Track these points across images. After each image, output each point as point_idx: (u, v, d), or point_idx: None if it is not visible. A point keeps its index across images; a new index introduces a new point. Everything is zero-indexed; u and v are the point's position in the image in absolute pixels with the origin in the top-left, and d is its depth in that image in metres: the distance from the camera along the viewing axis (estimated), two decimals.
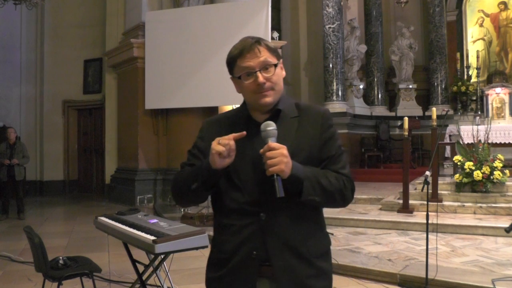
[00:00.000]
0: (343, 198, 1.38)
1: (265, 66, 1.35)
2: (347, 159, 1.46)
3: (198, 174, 1.34)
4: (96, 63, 10.99)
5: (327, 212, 5.81)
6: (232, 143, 1.27)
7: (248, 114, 1.42)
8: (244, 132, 1.29)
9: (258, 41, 1.39)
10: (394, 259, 4.33)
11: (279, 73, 1.39)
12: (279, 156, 1.23)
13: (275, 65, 1.37)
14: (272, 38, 8.26)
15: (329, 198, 1.34)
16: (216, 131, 1.40)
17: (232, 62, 1.40)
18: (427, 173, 3.53)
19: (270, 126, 1.28)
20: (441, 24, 11.89)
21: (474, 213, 6.04)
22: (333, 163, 1.38)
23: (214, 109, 8.38)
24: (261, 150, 1.26)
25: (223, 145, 1.26)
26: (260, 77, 1.34)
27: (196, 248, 2.49)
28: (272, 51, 1.39)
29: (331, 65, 10.65)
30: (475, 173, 6.07)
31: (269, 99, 1.36)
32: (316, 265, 1.36)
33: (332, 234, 5.58)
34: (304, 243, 1.35)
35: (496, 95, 10.68)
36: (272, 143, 1.25)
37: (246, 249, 1.33)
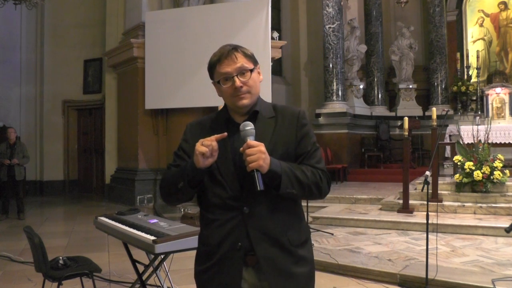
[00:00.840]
0: (319, 190, 1.48)
1: (241, 71, 1.46)
2: (321, 154, 1.55)
3: (184, 173, 1.44)
4: (96, 63, 11.00)
5: (328, 212, 5.80)
6: (215, 144, 1.37)
7: (228, 116, 1.53)
8: (225, 134, 1.40)
9: (235, 48, 1.49)
10: (394, 259, 4.33)
11: (255, 78, 1.50)
12: (257, 153, 1.33)
13: (251, 70, 1.48)
14: (272, 38, 8.26)
15: (306, 190, 1.44)
16: (199, 133, 1.52)
17: (212, 68, 1.53)
18: (427, 173, 3.53)
19: (248, 126, 1.38)
20: (441, 24, 11.89)
21: (474, 213, 6.04)
22: (309, 158, 1.49)
23: (214, 109, 8.27)
24: (241, 148, 1.36)
25: (206, 146, 1.36)
26: (237, 81, 1.45)
27: (196, 248, 2.49)
28: (249, 57, 1.49)
29: (331, 65, 10.65)
30: (475, 173, 6.07)
31: (246, 101, 1.47)
32: (296, 253, 1.47)
33: (332, 234, 5.58)
34: (284, 233, 1.45)
35: (496, 95, 10.68)
36: (251, 141, 1.36)
37: (231, 241, 1.43)
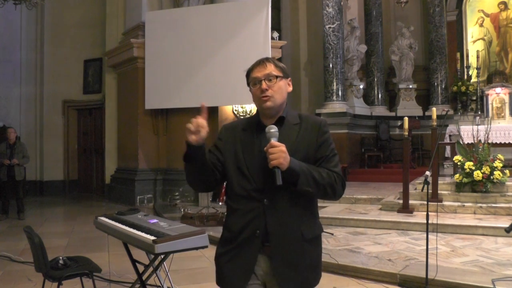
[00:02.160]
0: (333, 191, 1.64)
1: (269, 77, 1.66)
2: (339, 160, 1.72)
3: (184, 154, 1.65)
4: (96, 63, 11.00)
5: (328, 212, 5.81)
6: (200, 120, 1.58)
7: (259, 120, 1.72)
8: (203, 103, 1.64)
9: (267, 58, 1.73)
10: (394, 259, 4.33)
11: (282, 85, 1.69)
12: (278, 152, 1.51)
13: (277, 77, 1.67)
14: (272, 38, 8.26)
15: (321, 190, 1.61)
16: (232, 133, 1.75)
17: (247, 74, 1.74)
18: (427, 173, 3.53)
19: (273, 129, 1.58)
20: (441, 24, 11.89)
21: (474, 213, 6.04)
22: (326, 162, 1.66)
23: (214, 109, 8.38)
24: (265, 147, 1.55)
25: (191, 122, 1.57)
26: (263, 84, 1.65)
27: (196, 248, 2.49)
28: (279, 68, 1.70)
29: (331, 65, 10.65)
30: (475, 173, 6.08)
31: (269, 103, 1.66)
32: (306, 247, 1.64)
33: (332, 234, 5.58)
34: (298, 226, 1.63)
35: (496, 95, 10.68)
36: (274, 142, 1.54)
37: (251, 229, 1.62)
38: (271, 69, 1.68)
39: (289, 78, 1.74)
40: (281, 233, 1.60)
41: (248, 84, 1.73)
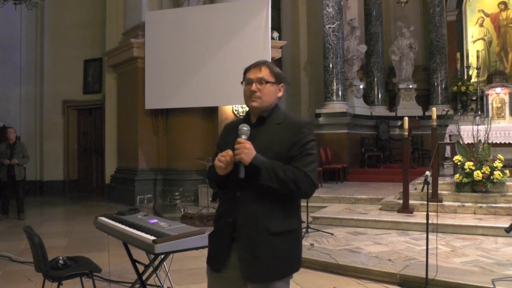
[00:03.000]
0: (298, 188, 1.70)
1: (260, 81, 1.79)
2: (315, 160, 1.77)
3: (213, 175, 1.81)
4: (96, 63, 10.99)
5: (328, 212, 5.80)
6: (228, 158, 1.68)
7: (247, 118, 1.87)
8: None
9: (265, 62, 1.85)
10: (394, 259, 4.33)
11: (272, 90, 1.81)
12: (242, 148, 1.66)
13: (269, 82, 1.80)
14: (272, 38, 8.26)
15: (284, 186, 1.68)
16: (229, 131, 1.87)
17: (244, 73, 1.86)
18: (427, 173, 3.53)
19: (245, 127, 1.72)
20: (441, 24, 11.89)
21: (474, 213, 6.04)
22: (297, 161, 1.73)
23: (214, 109, 8.39)
24: (235, 143, 1.69)
25: (221, 161, 1.70)
26: (253, 86, 1.79)
27: (196, 248, 2.49)
28: (273, 74, 1.82)
29: (331, 65, 10.65)
30: (475, 173, 6.07)
31: (255, 104, 1.79)
32: (272, 240, 1.71)
33: (332, 234, 5.58)
34: (263, 220, 1.71)
35: (496, 95, 10.68)
36: (240, 138, 1.69)
37: (226, 217, 1.78)
38: (265, 73, 1.80)
39: (282, 84, 1.85)
40: (246, 224, 1.72)
41: (243, 81, 1.86)
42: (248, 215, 1.72)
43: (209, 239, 1.89)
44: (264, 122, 1.81)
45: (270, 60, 8.04)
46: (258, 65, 1.82)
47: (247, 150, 1.66)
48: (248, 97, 1.80)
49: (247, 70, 1.84)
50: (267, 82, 1.79)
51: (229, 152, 1.68)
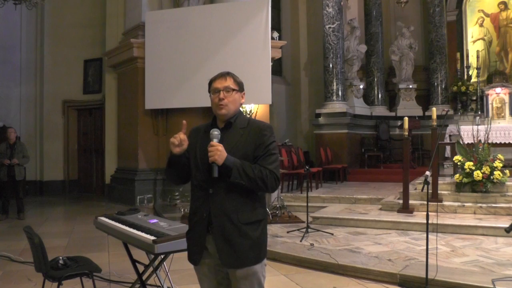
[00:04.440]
0: (265, 184, 1.91)
1: (226, 89, 2.00)
2: (277, 159, 1.98)
3: (169, 159, 2.02)
4: (96, 63, 10.99)
5: (328, 212, 5.80)
6: (182, 136, 1.93)
7: (214, 123, 2.06)
8: (184, 122, 2.03)
9: (228, 73, 2.06)
10: (394, 259, 4.33)
11: (237, 97, 2.04)
12: (214, 150, 1.85)
13: (234, 90, 2.01)
14: (272, 38, 8.25)
15: (253, 182, 1.90)
16: (196, 135, 2.07)
17: (210, 83, 2.08)
18: (427, 173, 3.53)
19: (215, 131, 1.92)
20: (441, 24, 11.89)
21: (474, 213, 6.04)
22: (262, 160, 1.95)
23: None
24: (208, 146, 1.88)
25: (175, 138, 1.92)
26: (221, 94, 2.00)
27: None
28: (237, 83, 2.05)
29: (331, 65, 10.65)
30: (475, 173, 6.08)
31: (223, 111, 1.99)
32: (242, 228, 1.92)
33: (332, 234, 5.58)
34: (235, 211, 1.92)
35: (496, 95, 10.68)
36: (213, 141, 1.88)
37: (200, 212, 1.97)
38: (230, 82, 2.01)
39: (243, 92, 2.08)
40: (220, 217, 1.91)
41: (209, 92, 2.06)
42: (221, 208, 1.91)
43: (187, 235, 2.05)
44: (231, 127, 2.01)
45: (270, 61, 8.06)
46: (223, 75, 2.03)
47: (219, 152, 1.85)
48: (216, 105, 1.99)
49: (212, 81, 2.05)
50: (233, 90, 2.00)
51: (180, 134, 1.92)
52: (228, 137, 1.97)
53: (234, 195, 1.93)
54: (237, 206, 1.93)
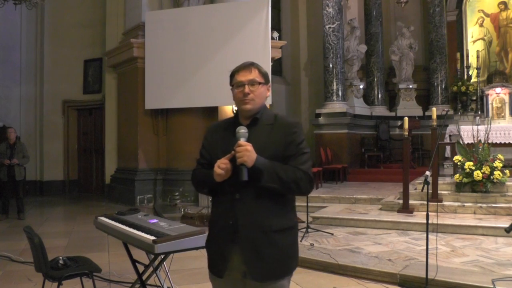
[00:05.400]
0: (298, 187, 1.74)
1: (252, 82, 1.79)
2: (309, 158, 1.82)
3: (207, 181, 1.81)
4: (96, 63, 10.99)
5: (328, 212, 5.79)
6: (229, 166, 1.70)
7: (237, 120, 1.85)
8: (233, 152, 1.69)
9: (253, 63, 1.84)
10: (394, 259, 4.33)
11: (262, 91, 1.83)
12: (243, 151, 1.66)
13: (260, 83, 1.81)
14: (272, 38, 8.26)
15: (285, 186, 1.72)
16: (215, 132, 1.89)
17: (231, 76, 1.85)
18: (427, 173, 3.53)
19: (242, 129, 1.72)
20: (441, 24, 11.89)
21: (474, 213, 6.04)
22: (294, 160, 1.77)
23: (214, 109, 8.38)
24: (234, 146, 1.68)
25: (222, 169, 1.70)
26: (246, 88, 1.78)
27: (196, 248, 2.49)
28: (262, 74, 1.84)
29: (331, 65, 10.65)
30: (475, 173, 6.07)
31: (249, 106, 1.79)
32: (274, 238, 1.74)
33: (332, 234, 5.58)
34: (266, 218, 1.74)
35: (496, 95, 10.68)
36: (240, 141, 1.68)
37: (223, 219, 1.78)
38: (255, 75, 1.80)
39: (269, 84, 1.87)
40: (248, 225, 1.73)
41: (231, 85, 1.84)
42: (249, 215, 1.73)
43: (208, 244, 1.88)
44: (257, 123, 1.82)
45: (270, 61, 8.06)
46: (247, 67, 1.82)
47: (248, 152, 1.66)
48: (241, 100, 1.79)
49: (234, 73, 1.83)
50: (259, 83, 1.80)
51: (228, 164, 1.70)
52: (254, 135, 1.76)
53: (264, 200, 1.74)
54: (267, 212, 1.75)
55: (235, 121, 1.86)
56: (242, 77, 1.80)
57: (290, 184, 1.72)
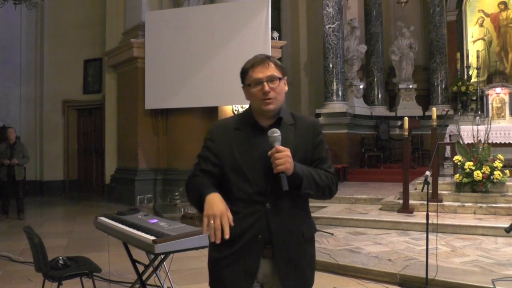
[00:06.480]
0: (330, 192, 1.68)
1: (271, 79, 1.60)
2: (331, 161, 1.74)
3: (199, 202, 1.56)
4: (96, 63, 10.99)
5: (328, 212, 5.79)
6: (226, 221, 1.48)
7: (254, 120, 1.66)
8: (231, 224, 1.49)
9: (268, 57, 1.65)
10: (394, 259, 4.33)
11: (282, 87, 1.65)
12: (284, 157, 1.50)
13: (280, 79, 1.62)
14: (272, 38, 8.26)
15: (320, 191, 1.63)
16: (224, 132, 1.67)
17: (244, 72, 1.65)
18: (427, 173, 3.53)
19: (276, 133, 1.55)
20: (441, 24, 11.89)
21: (474, 213, 6.04)
22: (323, 163, 1.68)
23: (214, 109, 8.38)
24: (270, 152, 1.52)
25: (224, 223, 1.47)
26: (266, 87, 1.59)
27: (196, 248, 2.49)
28: (279, 67, 1.65)
29: (331, 65, 10.65)
30: (475, 173, 6.07)
31: (271, 106, 1.61)
32: (305, 247, 1.67)
33: (332, 234, 5.58)
34: (299, 228, 1.65)
35: (496, 95, 10.67)
36: (279, 146, 1.52)
37: (252, 233, 1.58)
38: (273, 70, 1.61)
39: (286, 78, 1.68)
40: (284, 236, 1.60)
41: (244, 83, 1.65)
42: (285, 226, 1.60)
43: (223, 264, 1.63)
44: (280, 124, 1.64)
45: None
46: (263, 61, 1.62)
47: (290, 158, 1.51)
48: (261, 100, 1.59)
49: (248, 69, 1.63)
50: (278, 78, 1.62)
51: (230, 219, 1.49)
52: (282, 137, 1.57)
53: (296, 209, 1.64)
54: (299, 220, 1.65)
55: (250, 120, 1.65)
56: (260, 73, 1.60)
57: (325, 189, 1.63)
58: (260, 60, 1.62)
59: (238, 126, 1.66)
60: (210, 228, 1.47)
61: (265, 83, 1.59)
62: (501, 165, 6.11)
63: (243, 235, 1.58)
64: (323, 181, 1.61)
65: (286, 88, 1.68)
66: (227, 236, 1.47)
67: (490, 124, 7.42)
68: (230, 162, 1.61)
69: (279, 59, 10.34)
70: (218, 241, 1.46)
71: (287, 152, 1.51)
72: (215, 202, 1.50)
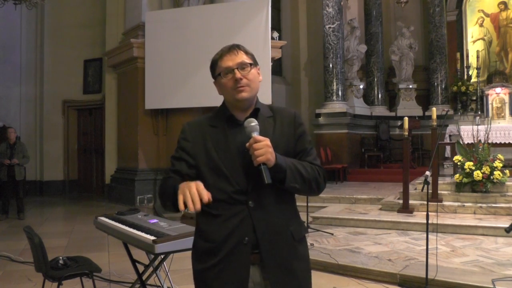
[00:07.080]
0: (318, 186, 1.53)
1: (242, 66, 1.50)
2: (316, 152, 1.62)
3: (171, 196, 1.44)
4: (96, 63, 10.99)
5: (328, 212, 5.79)
6: (201, 195, 1.33)
7: (230, 114, 1.55)
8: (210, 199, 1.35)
9: (236, 45, 1.56)
10: (394, 259, 4.33)
11: (255, 74, 1.54)
12: (264, 147, 1.37)
13: (251, 65, 1.52)
14: (272, 38, 8.26)
15: (307, 185, 1.49)
16: (199, 131, 1.55)
17: (214, 64, 1.58)
18: (427, 173, 3.53)
19: (253, 122, 1.43)
20: (441, 24, 11.89)
21: (474, 213, 6.04)
22: (307, 155, 1.55)
23: (214, 109, 8.38)
24: (247, 144, 1.39)
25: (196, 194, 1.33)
26: (238, 73, 1.49)
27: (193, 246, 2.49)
28: (249, 54, 1.55)
29: (331, 65, 10.65)
30: (475, 173, 6.07)
31: (245, 94, 1.50)
32: (297, 248, 1.52)
33: (332, 234, 5.58)
34: (287, 227, 1.50)
35: (496, 95, 10.68)
36: (257, 136, 1.39)
37: (237, 236, 1.44)
38: (243, 56, 1.52)
39: (259, 67, 1.58)
40: (271, 237, 1.45)
41: (214, 76, 1.57)
42: (271, 226, 1.45)
43: (211, 274, 1.46)
44: (257, 115, 1.53)
45: (270, 61, 8.06)
46: (232, 49, 1.53)
47: (270, 148, 1.37)
48: (233, 88, 1.49)
49: (217, 60, 1.55)
50: (250, 64, 1.51)
51: (194, 187, 1.33)
52: (260, 129, 1.45)
53: (282, 205, 1.50)
54: (286, 219, 1.50)
55: (226, 115, 1.54)
56: (229, 61, 1.51)
57: (311, 182, 1.49)
58: (228, 49, 1.54)
59: (213, 123, 1.55)
60: (187, 198, 1.31)
61: (236, 70, 1.49)
62: (501, 165, 6.11)
63: (228, 239, 1.44)
64: (309, 174, 1.47)
65: (260, 78, 1.58)
66: (205, 198, 1.32)
67: (490, 124, 7.42)
68: (206, 161, 1.49)
69: (279, 59, 10.38)
70: (198, 206, 1.30)
71: (266, 141, 1.37)
72: (187, 182, 1.38)
